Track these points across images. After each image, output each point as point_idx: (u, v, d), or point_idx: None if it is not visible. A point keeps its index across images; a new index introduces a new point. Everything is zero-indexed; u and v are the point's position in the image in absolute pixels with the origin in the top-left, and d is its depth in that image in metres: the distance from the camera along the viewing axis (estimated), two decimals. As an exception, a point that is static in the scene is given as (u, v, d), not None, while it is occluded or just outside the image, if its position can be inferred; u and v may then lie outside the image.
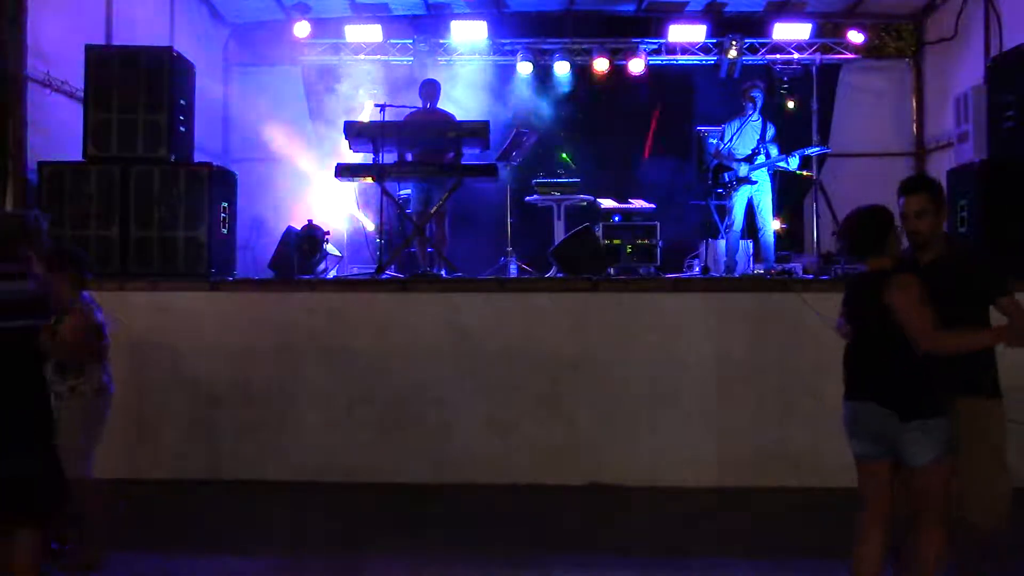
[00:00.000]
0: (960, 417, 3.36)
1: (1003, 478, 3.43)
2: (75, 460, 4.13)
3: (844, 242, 3.74)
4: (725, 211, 8.34)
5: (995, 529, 3.43)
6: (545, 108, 10.20)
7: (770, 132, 8.07)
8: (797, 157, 7.96)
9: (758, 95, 8.07)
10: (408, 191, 8.47)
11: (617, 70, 10.32)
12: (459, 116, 8.09)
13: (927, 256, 3.56)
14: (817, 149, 8.43)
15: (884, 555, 3.46)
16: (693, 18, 10.03)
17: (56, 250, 4.37)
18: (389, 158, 7.18)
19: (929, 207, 3.51)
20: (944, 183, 7.39)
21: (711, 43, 10.16)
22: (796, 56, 10.14)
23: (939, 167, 9.07)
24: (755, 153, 7.98)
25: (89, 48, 6.74)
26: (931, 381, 3.35)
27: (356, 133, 7.01)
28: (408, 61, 10.19)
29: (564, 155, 8.89)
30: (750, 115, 8.05)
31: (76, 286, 4.40)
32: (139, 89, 6.57)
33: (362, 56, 10.15)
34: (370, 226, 8.35)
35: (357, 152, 7.23)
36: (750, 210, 8.05)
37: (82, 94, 6.76)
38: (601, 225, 8.83)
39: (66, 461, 3.83)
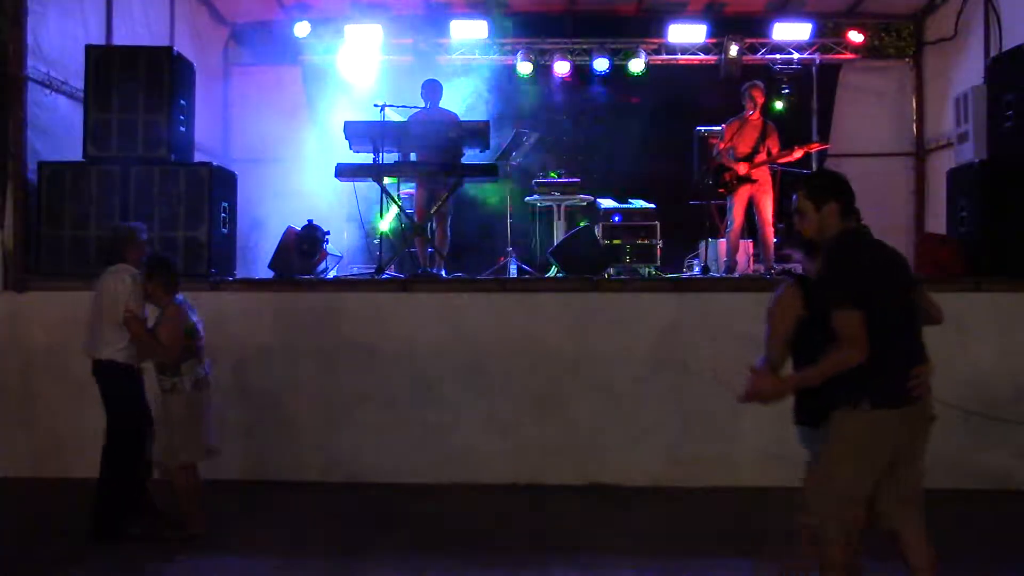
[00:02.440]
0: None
1: (834, 484, 3.24)
2: (177, 450, 4.80)
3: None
4: (725, 211, 8.33)
5: (824, 535, 3.27)
6: (545, 107, 10.19)
7: (770, 131, 8.06)
8: (801, 151, 7.97)
9: (758, 95, 8.06)
10: (409, 190, 8.47)
11: (617, 70, 10.32)
12: (458, 116, 8.08)
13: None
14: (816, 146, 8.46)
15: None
16: (693, 18, 10.03)
17: (150, 258, 4.96)
18: (389, 158, 7.18)
19: (806, 205, 3.34)
20: (944, 183, 7.42)
21: (711, 43, 10.17)
22: (796, 56, 10.14)
23: (939, 167, 9.08)
24: (755, 153, 7.98)
25: (89, 48, 6.74)
26: (810, 390, 3.32)
27: (356, 133, 7.00)
28: (408, 61, 10.18)
29: (553, 172, 8.96)
30: (750, 115, 8.04)
31: (169, 290, 4.88)
32: (139, 89, 6.58)
33: (362, 56, 10.13)
34: (370, 226, 8.34)
35: (357, 152, 7.22)
36: (750, 210, 8.04)
37: (82, 94, 6.76)
38: (601, 225, 8.84)
39: (169, 450, 4.75)
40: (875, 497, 3.27)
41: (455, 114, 7.95)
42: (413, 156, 7.42)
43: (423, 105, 7.98)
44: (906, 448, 3.27)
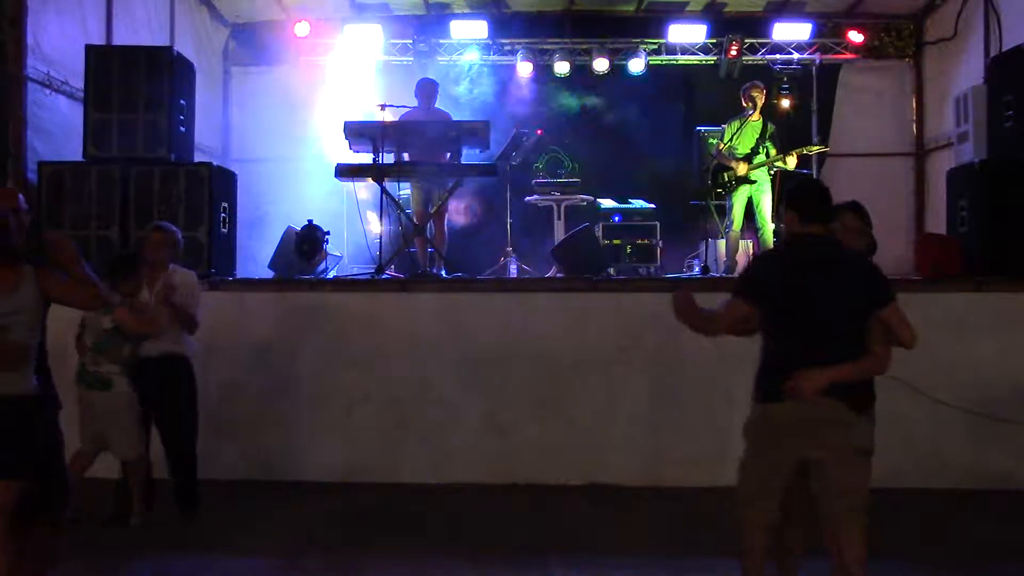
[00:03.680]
0: None
1: (739, 474, 3.64)
2: None
3: None
4: (725, 211, 8.34)
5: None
6: (545, 108, 10.20)
7: (770, 131, 8.06)
8: (795, 156, 7.96)
9: (758, 95, 8.06)
10: (408, 191, 8.47)
11: (617, 70, 10.32)
12: (459, 116, 8.08)
13: None
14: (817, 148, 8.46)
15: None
16: (693, 18, 10.02)
17: None
18: (389, 158, 7.17)
19: (783, 209, 3.58)
20: (944, 183, 7.42)
21: (711, 43, 10.17)
22: (796, 56, 10.14)
23: (939, 167, 9.08)
24: (755, 153, 7.98)
25: (89, 48, 6.74)
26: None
27: (356, 133, 7.00)
28: (408, 61, 10.19)
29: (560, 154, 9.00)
30: (750, 115, 8.04)
31: (114, 288, 4.93)
32: (139, 89, 6.57)
33: (362, 56, 10.14)
34: (370, 226, 8.35)
35: (357, 152, 7.22)
36: (750, 210, 8.05)
37: (82, 94, 6.76)
38: (601, 225, 8.84)
39: None
40: (816, 499, 3.41)
41: (447, 114, 7.95)
42: (405, 156, 7.35)
43: (418, 104, 7.98)
44: (818, 449, 3.36)
